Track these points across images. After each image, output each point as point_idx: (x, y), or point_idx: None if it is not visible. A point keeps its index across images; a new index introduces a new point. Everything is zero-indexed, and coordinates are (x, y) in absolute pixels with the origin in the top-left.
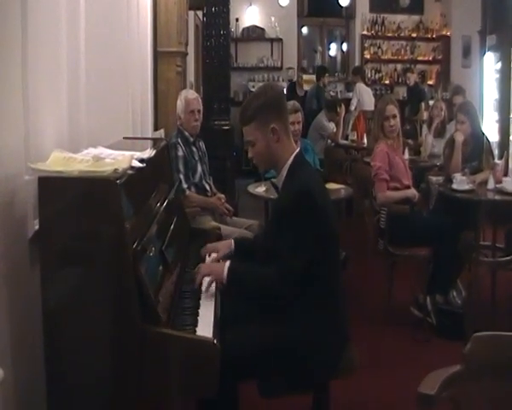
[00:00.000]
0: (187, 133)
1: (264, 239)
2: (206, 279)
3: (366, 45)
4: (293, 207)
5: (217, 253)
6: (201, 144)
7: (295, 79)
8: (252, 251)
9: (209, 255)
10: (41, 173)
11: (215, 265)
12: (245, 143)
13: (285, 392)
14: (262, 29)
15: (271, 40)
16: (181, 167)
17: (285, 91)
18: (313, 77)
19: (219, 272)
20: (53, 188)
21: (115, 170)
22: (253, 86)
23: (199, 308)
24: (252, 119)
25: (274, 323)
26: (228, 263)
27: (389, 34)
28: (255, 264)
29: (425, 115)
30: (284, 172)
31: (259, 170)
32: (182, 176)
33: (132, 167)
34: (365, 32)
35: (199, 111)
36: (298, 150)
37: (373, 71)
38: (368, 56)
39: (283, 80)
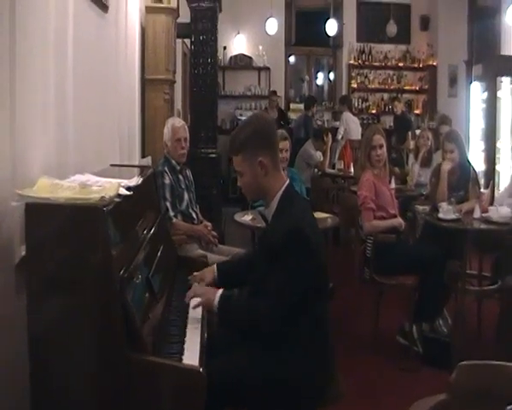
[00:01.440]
0: (174, 161)
1: (250, 272)
2: (196, 299)
3: (353, 74)
4: (285, 245)
5: (203, 280)
6: (188, 172)
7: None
8: (234, 274)
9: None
10: (28, 200)
11: (209, 288)
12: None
13: None
14: (249, 57)
15: (259, 69)
16: (167, 195)
17: None
18: (300, 106)
19: (211, 297)
20: (40, 214)
21: (102, 197)
22: (241, 114)
23: (185, 337)
24: (239, 150)
25: (261, 352)
26: (220, 291)
27: (376, 64)
28: (245, 295)
29: (411, 144)
30: (274, 204)
31: (248, 199)
32: (168, 204)
33: (119, 195)
34: (352, 62)
35: (185, 139)
36: (288, 182)
37: (360, 100)
38: (355, 85)
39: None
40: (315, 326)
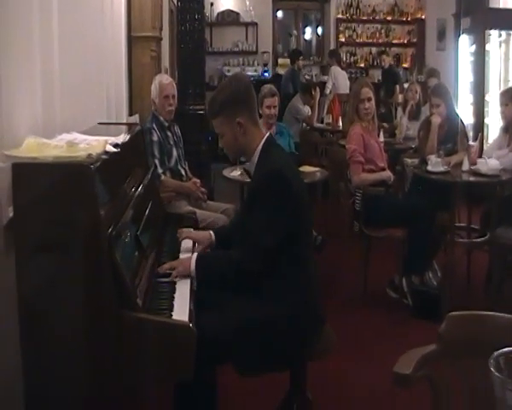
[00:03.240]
0: (161, 118)
1: (239, 224)
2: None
3: (341, 29)
4: (264, 186)
5: (193, 241)
6: (176, 129)
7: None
8: (231, 239)
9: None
10: (15, 160)
11: (183, 258)
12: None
13: (262, 370)
14: (237, 13)
15: (246, 24)
16: (156, 152)
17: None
18: (288, 61)
19: (186, 265)
20: (27, 174)
21: (89, 155)
22: (228, 70)
23: (174, 293)
24: (217, 113)
25: (249, 305)
26: (195, 254)
27: (364, 17)
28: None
29: (400, 98)
30: (255, 158)
31: (230, 158)
32: (157, 161)
33: (106, 152)
34: (340, 16)
35: (173, 96)
36: (267, 135)
37: (348, 54)
38: (343, 40)
39: (258, 64)
40: (300, 274)
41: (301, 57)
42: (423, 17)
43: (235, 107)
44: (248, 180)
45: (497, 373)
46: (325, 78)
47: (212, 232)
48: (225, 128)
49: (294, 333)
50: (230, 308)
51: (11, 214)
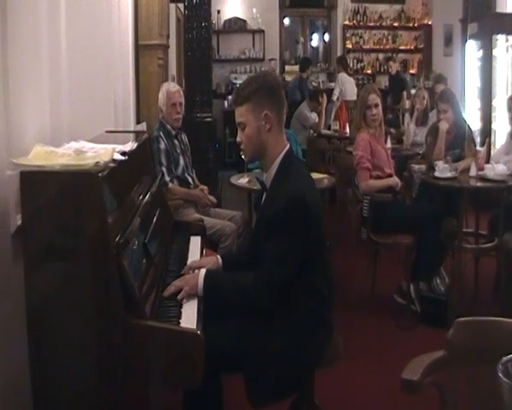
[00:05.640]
0: (169, 126)
1: (250, 245)
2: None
3: (348, 35)
4: (284, 213)
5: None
6: (184, 137)
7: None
8: (239, 263)
9: (193, 271)
10: (23, 168)
11: (188, 276)
12: (236, 124)
13: (274, 398)
14: (244, 21)
15: (253, 32)
16: (163, 160)
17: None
18: (295, 68)
19: (193, 284)
20: (35, 182)
21: (97, 163)
22: (236, 78)
23: (183, 300)
24: (246, 100)
25: (257, 316)
26: (203, 272)
27: (371, 24)
28: (235, 272)
29: (407, 104)
30: (273, 170)
31: (245, 157)
32: (164, 169)
33: (114, 160)
34: (347, 22)
35: (180, 104)
36: (288, 147)
37: (355, 60)
38: (350, 46)
39: None
40: (315, 299)
41: (311, 66)
42: (430, 23)
43: (266, 98)
44: (256, 187)
45: (505, 379)
46: (332, 84)
47: (219, 256)
48: (250, 117)
49: (305, 351)
50: (240, 318)
51: (19, 222)
